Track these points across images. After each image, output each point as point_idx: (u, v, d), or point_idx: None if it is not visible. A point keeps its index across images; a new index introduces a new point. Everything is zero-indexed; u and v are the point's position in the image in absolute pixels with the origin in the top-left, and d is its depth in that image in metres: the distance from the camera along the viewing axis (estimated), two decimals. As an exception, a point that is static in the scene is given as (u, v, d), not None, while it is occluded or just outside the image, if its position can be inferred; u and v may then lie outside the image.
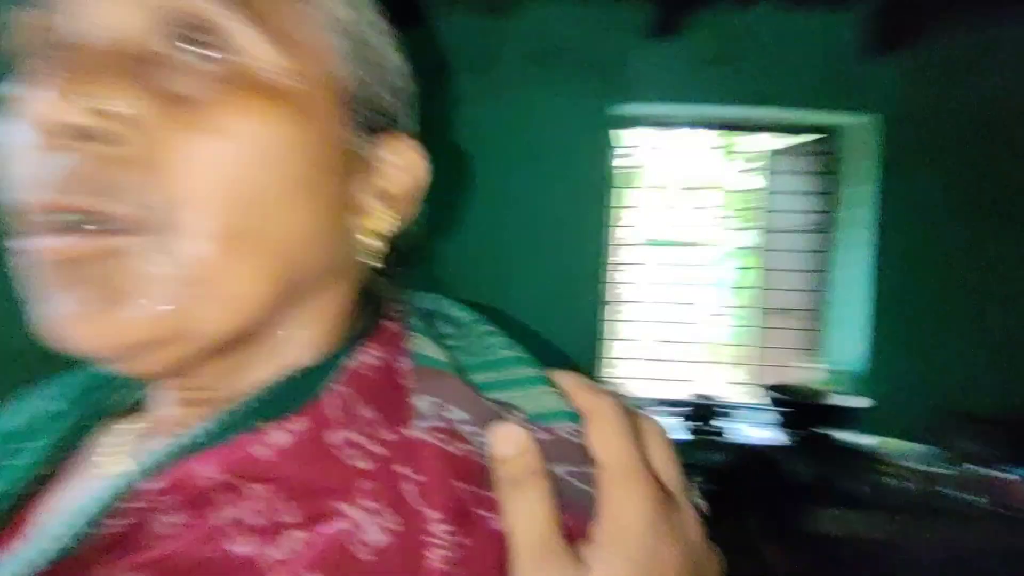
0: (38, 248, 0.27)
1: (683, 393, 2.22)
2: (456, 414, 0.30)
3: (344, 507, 0.28)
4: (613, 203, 2.42)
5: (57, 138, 0.26)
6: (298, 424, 0.29)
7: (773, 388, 2.05)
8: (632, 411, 0.32)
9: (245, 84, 0.28)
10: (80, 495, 0.30)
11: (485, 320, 0.36)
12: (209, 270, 0.27)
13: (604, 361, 2.44)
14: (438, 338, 0.35)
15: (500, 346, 0.34)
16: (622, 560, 0.27)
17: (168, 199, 0.27)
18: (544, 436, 0.30)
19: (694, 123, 2.42)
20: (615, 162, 2.41)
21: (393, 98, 0.36)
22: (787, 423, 1.96)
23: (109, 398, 0.38)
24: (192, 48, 0.28)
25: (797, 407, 1.95)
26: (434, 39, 2.31)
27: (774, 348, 2.42)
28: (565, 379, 0.32)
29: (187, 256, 0.27)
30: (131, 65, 0.27)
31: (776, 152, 2.37)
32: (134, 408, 0.38)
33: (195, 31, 0.27)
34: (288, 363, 0.32)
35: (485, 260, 2.30)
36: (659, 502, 0.28)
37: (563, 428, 0.30)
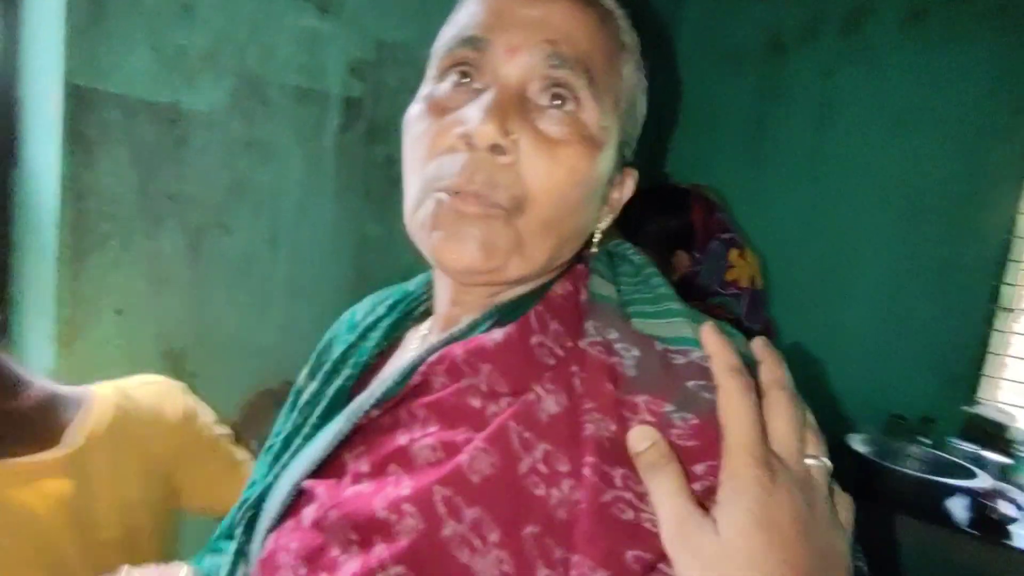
0: (448, 204, 0.42)
1: None
2: (612, 335, 0.42)
3: (534, 386, 0.42)
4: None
5: (483, 149, 0.41)
6: (512, 329, 0.44)
7: None
8: (758, 382, 0.37)
9: (578, 132, 0.43)
10: (398, 365, 0.48)
11: (652, 264, 0.49)
12: (529, 237, 0.43)
13: (986, 380, 2.00)
14: (613, 277, 0.48)
15: (659, 285, 0.46)
16: (742, 512, 0.32)
17: (523, 196, 0.42)
18: (680, 359, 0.40)
19: None
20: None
21: (634, 144, 0.50)
22: None
23: (411, 308, 0.57)
24: (556, 102, 0.43)
25: None
26: (792, 5, 2.13)
27: None
28: (710, 342, 0.38)
29: (523, 226, 0.42)
30: (524, 106, 0.42)
31: None
32: (425, 314, 0.56)
33: (561, 91, 0.43)
34: (516, 288, 0.47)
35: (833, 237, 2.08)
36: (770, 470, 0.33)
37: (694, 353, 0.40)
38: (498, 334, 0.44)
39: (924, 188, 1.94)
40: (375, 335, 0.55)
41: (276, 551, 0.45)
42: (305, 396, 0.54)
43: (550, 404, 0.41)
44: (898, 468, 1.61)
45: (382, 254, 1.42)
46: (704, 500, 0.36)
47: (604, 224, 0.50)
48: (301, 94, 1.21)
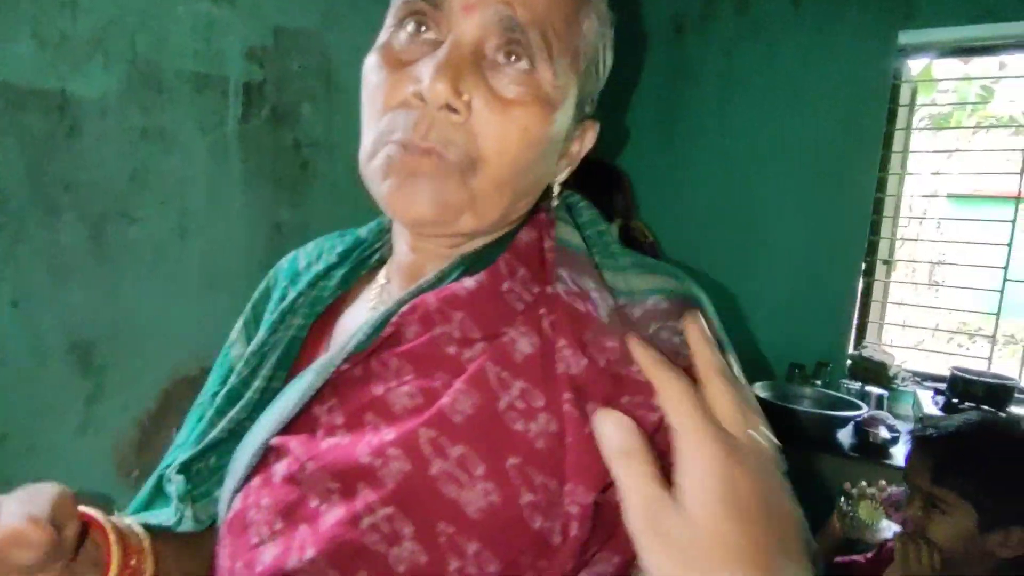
0: (399, 158, 0.42)
1: (948, 368, 1.92)
2: (586, 282, 0.45)
3: (507, 329, 0.44)
4: (896, 149, 2.13)
5: (436, 107, 0.41)
6: (484, 276, 0.46)
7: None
8: (692, 371, 0.36)
9: (532, 92, 0.43)
10: (363, 315, 0.49)
11: (601, 217, 0.51)
12: (482, 195, 0.43)
13: (866, 325, 2.21)
14: (576, 226, 0.49)
15: (610, 240, 0.49)
16: (708, 494, 0.31)
17: (476, 155, 0.42)
18: (639, 310, 0.44)
19: (1003, 46, 1.98)
20: (900, 102, 2.11)
21: (596, 99, 0.50)
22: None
23: (365, 256, 0.56)
24: (511, 60, 0.43)
25: None
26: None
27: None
28: (641, 354, 0.36)
29: (475, 184, 0.43)
30: (478, 64, 0.42)
31: None
32: (379, 263, 0.56)
33: (516, 49, 0.42)
34: (486, 237, 0.48)
35: (742, 205, 2.24)
36: (726, 446, 0.32)
37: (652, 301, 0.44)
38: (470, 282, 0.45)
39: (813, 154, 2.12)
40: (329, 284, 0.54)
41: (245, 509, 0.45)
42: (251, 347, 0.53)
43: (524, 345, 0.43)
44: (794, 407, 1.78)
45: (297, 240, 1.42)
46: (652, 430, 0.39)
47: (563, 176, 0.51)
48: (199, 80, 1.21)
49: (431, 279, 0.47)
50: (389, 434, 0.42)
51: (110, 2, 1.06)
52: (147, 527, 0.50)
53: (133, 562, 0.45)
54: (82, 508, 0.43)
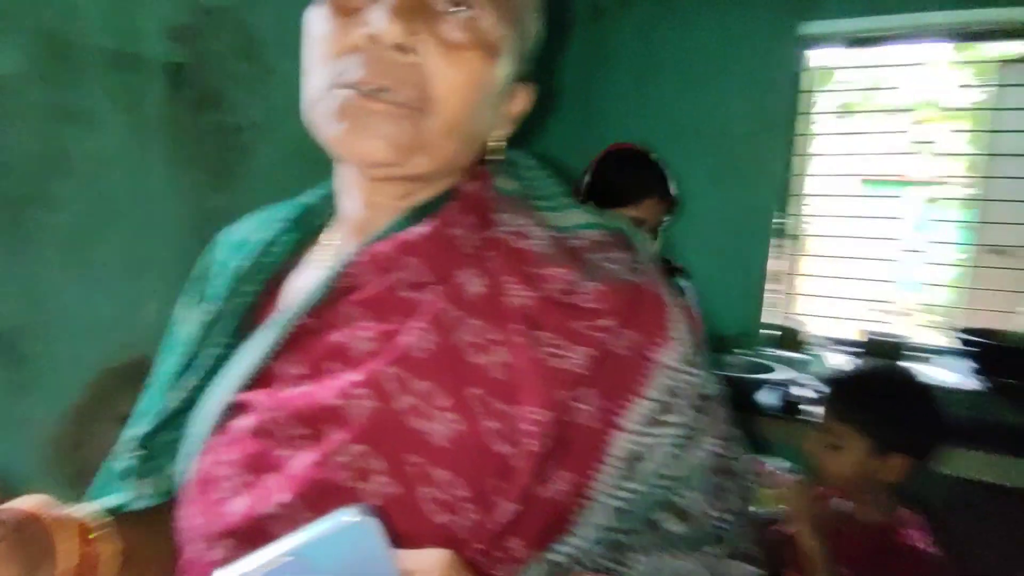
0: (351, 99, 0.43)
1: (865, 333, 2.11)
2: (522, 221, 0.50)
3: (457, 272, 0.47)
4: (802, 131, 2.29)
5: (389, 47, 0.43)
6: (431, 223, 0.49)
7: (971, 331, 1.87)
8: None
9: (477, 38, 0.45)
10: (316, 274, 0.50)
11: (542, 166, 0.56)
12: (432, 137, 0.45)
13: (780, 297, 2.38)
14: (515, 176, 0.54)
15: (551, 184, 0.54)
16: None
17: (427, 96, 0.44)
18: (578, 241, 0.49)
19: (898, 36, 2.17)
20: (804, 88, 2.27)
21: (531, 58, 0.53)
22: (986, 369, 1.79)
23: (314, 222, 0.58)
24: (456, 8, 0.45)
25: (998, 352, 1.77)
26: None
27: (991, 291, 2.15)
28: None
29: (426, 126, 0.45)
30: (425, 11, 0.44)
31: (1007, 62, 2.04)
32: (325, 227, 0.57)
33: (463, 2, 0.45)
34: (434, 190, 0.51)
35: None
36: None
37: (589, 234, 0.50)
38: (422, 229, 0.48)
39: (727, 136, 2.24)
40: (278, 250, 0.55)
41: (212, 467, 0.47)
42: (202, 316, 0.54)
43: (475, 285, 0.47)
44: (716, 372, 1.90)
45: (226, 223, 1.40)
46: (599, 350, 0.45)
47: (501, 133, 0.53)
48: (117, 59, 1.16)
49: (383, 230, 0.50)
50: (355, 375, 0.45)
51: (13, -28, 1.00)
52: (109, 510, 0.50)
53: (89, 547, 0.45)
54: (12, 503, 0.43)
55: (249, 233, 0.59)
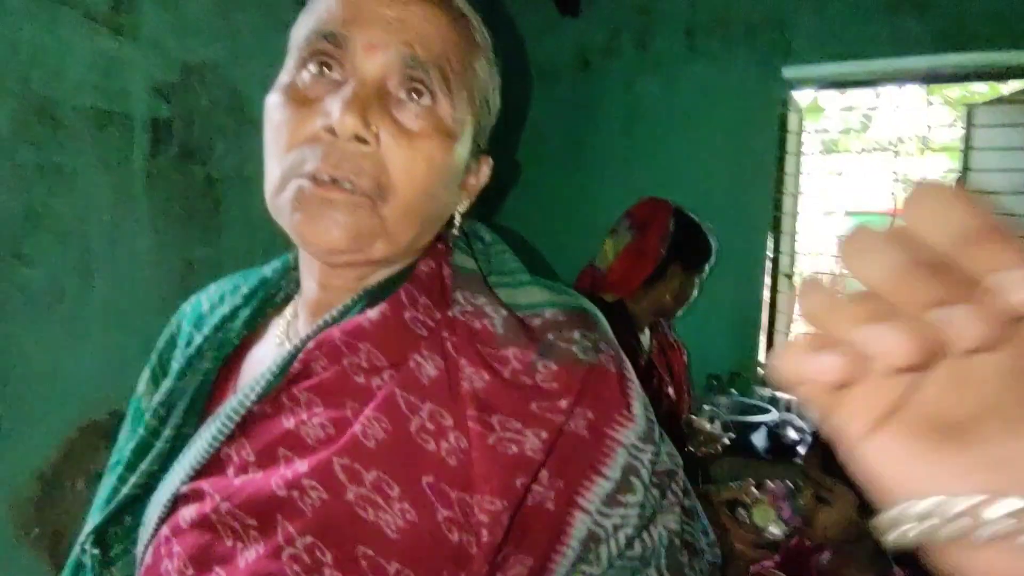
0: (309, 189, 0.44)
1: None
2: (480, 300, 0.48)
3: (412, 355, 0.46)
4: (789, 171, 2.32)
5: (345, 139, 0.43)
6: (386, 307, 0.47)
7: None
8: None
9: (434, 124, 0.46)
10: (271, 354, 0.50)
11: (502, 241, 0.55)
12: (390, 223, 0.45)
13: (776, 338, 2.37)
14: (471, 252, 0.53)
15: (509, 260, 0.53)
16: None
17: (384, 182, 0.44)
18: (536, 320, 0.48)
19: (878, 79, 2.21)
20: (789, 129, 2.31)
21: (488, 134, 0.53)
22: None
23: (271, 295, 0.57)
24: (413, 96, 0.45)
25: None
26: (594, 25, 2.42)
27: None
28: None
29: (384, 213, 0.45)
30: (383, 100, 0.44)
31: (983, 104, 2.08)
32: (285, 301, 0.57)
33: (418, 87, 0.45)
34: (385, 270, 0.50)
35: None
36: None
37: (548, 313, 0.48)
38: (373, 313, 0.47)
39: (714, 179, 2.27)
40: (235, 326, 0.54)
41: (158, 561, 0.45)
42: (158, 397, 0.52)
43: (429, 368, 0.45)
44: (713, 410, 1.87)
45: (211, 277, 1.39)
46: (557, 432, 0.43)
47: (462, 208, 0.53)
48: (100, 117, 1.18)
49: (335, 313, 0.49)
50: (303, 465, 0.43)
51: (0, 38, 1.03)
52: None
53: None
54: None
55: (208, 306, 0.58)
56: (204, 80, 1.36)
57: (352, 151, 0.43)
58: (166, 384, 0.52)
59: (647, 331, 1.46)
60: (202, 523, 0.44)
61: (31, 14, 1.07)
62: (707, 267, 1.49)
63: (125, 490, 0.49)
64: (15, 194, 1.06)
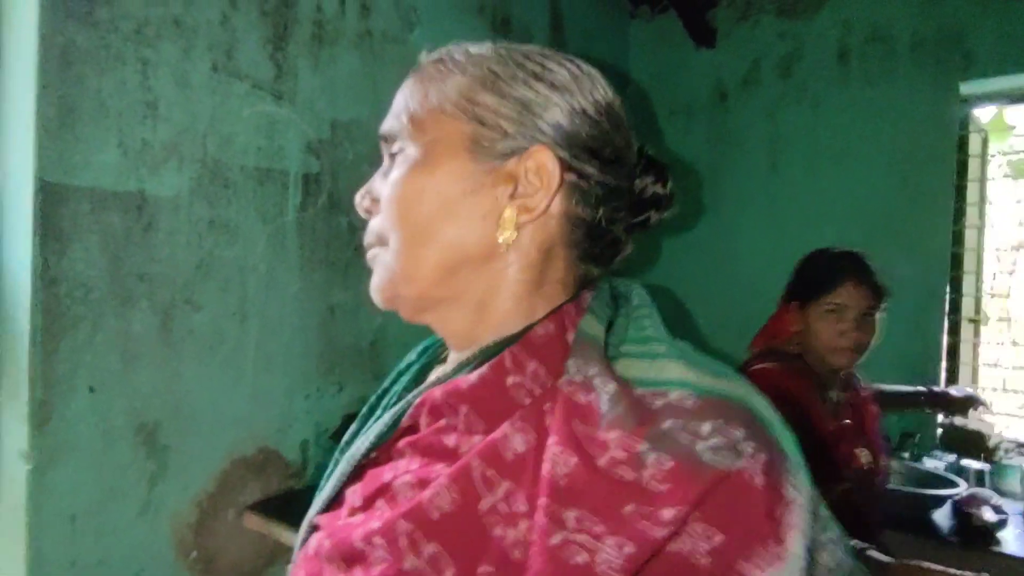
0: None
1: None
2: (592, 371, 0.42)
3: (505, 424, 0.42)
4: (970, 200, 2.01)
5: (366, 216, 0.51)
6: (485, 370, 0.45)
7: None
8: None
9: (404, 161, 0.48)
10: (393, 408, 0.51)
11: (650, 304, 0.49)
12: (397, 262, 0.47)
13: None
14: (608, 317, 0.47)
15: (649, 327, 0.46)
16: None
17: (383, 231, 0.49)
18: (659, 401, 0.40)
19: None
20: (970, 152, 2.01)
21: (522, 123, 0.47)
22: None
23: (437, 352, 0.60)
24: (388, 147, 0.51)
25: None
26: (732, 56, 2.31)
27: None
28: None
29: (390, 257, 0.48)
30: (382, 172, 0.51)
31: None
32: (445, 359, 0.59)
33: (392, 150, 0.50)
34: (505, 330, 0.48)
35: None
36: None
37: (673, 394, 0.40)
38: (473, 375, 0.45)
39: (874, 214, 2.04)
40: (404, 379, 0.59)
41: None
42: (347, 436, 0.58)
43: (517, 442, 0.41)
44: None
45: (350, 321, 1.47)
46: (651, 550, 0.35)
47: (512, 218, 0.46)
48: (261, 175, 1.30)
49: (448, 372, 0.50)
50: (377, 522, 0.43)
51: (184, 110, 1.18)
52: None
53: None
54: None
55: (405, 361, 0.64)
56: (350, 135, 1.46)
57: (370, 221, 0.51)
58: (352, 427, 0.59)
59: (837, 389, 1.32)
60: (316, 554, 0.47)
61: (211, 88, 1.21)
62: (850, 287, 1.29)
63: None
64: (191, 248, 1.19)
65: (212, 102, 1.21)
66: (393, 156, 0.50)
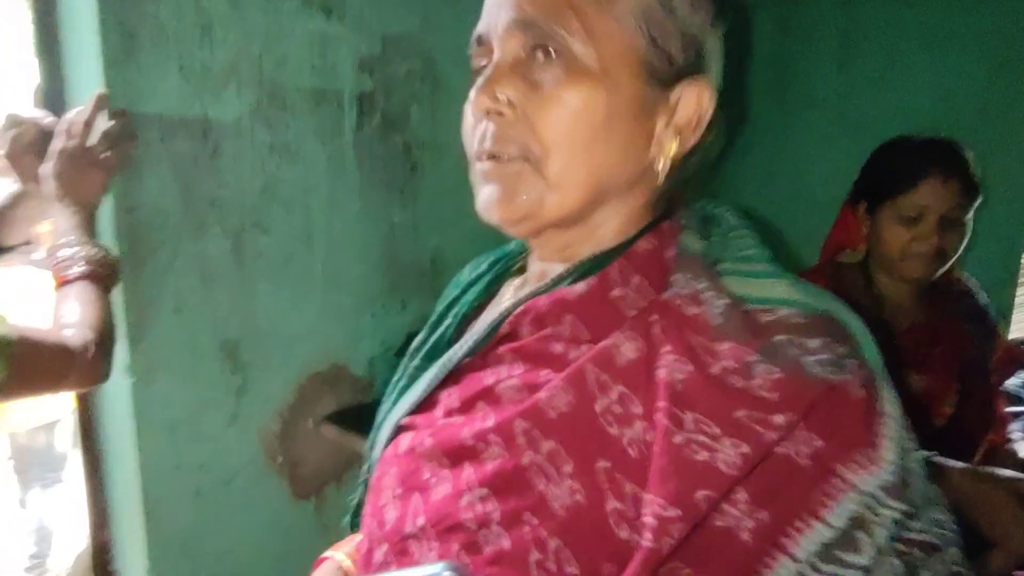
0: (478, 169, 0.49)
1: None
2: (701, 284, 0.44)
3: (615, 333, 0.44)
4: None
5: (483, 116, 0.47)
6: (593, 281, 0.47)
7: None
8: None
9: (568, 72, 0.45)
10: (490, 315, 0.54)
11: (748, 226, 0.50)
12: (553, 179, 0.46)
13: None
14: (704, 235, 0.49)
15: (750, 246, 0.48)
16: None
17: (533, 142, 0.45)
18: (768, 316, 0.42)
19: None
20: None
21: (686, 51, 0.47)
22: None
23: (508, 265, 0.61)
24: (541, 56, 0.45)
25: None
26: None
27: None
28: None
29: (543, 171, 0.46)
30: (517, 71, 0.46)
31: None
32: (520, 271, 0.60)
33: (541, 44, 0.45)
34: (603, 244, 0.50)
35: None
36: None
37: (783, 311, 0.42)
38: (580, 286, 0.47)
39: (961, 108, 1.86)
40: (475, 289, 0.60)
41: (381, 476, 0.52)
42: (415, 344, 0.61)
43: (628, 350, 0.43)
44: None
45: (409, 239, 1.49)
46: (764, 451, 0.37)
47: (670, 150, 0.47)
48: (317, 95, 1.29)
49: (547, 283, 0.51)
50: (491, 421, 0.45)
51: (239, 31, 1.16)
52: None
53: None
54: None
55: (468, 272, 0.65)
56: (401, 50, 1.42)
57: (497, 125, 0.46)
58: (420, 336, 0.61)
59: (913, 307, 1.13)
60: (412, 452, 0.49)
61: (260, 6, 1.19)
62: (935, 186, 1.06)
63: (380, 418, 0.60)
64: (255, 172, 1.22)
65: (265, 21, 1.19)
66: (542, 51, 0.45)
